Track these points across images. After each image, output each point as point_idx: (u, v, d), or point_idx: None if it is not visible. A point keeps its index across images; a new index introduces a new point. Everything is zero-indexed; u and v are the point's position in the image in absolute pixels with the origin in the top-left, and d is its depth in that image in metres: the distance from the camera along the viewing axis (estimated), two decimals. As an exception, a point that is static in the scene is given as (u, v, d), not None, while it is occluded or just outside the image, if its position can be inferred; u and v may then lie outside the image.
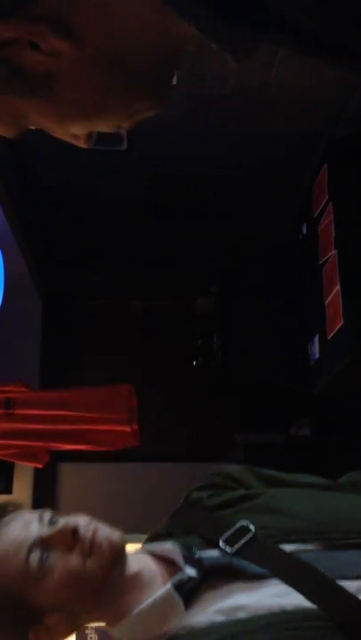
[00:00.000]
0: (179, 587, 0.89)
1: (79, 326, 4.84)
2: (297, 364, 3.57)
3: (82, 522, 0.97)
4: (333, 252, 3.07)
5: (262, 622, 0.80)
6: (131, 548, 1.01)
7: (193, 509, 1.05)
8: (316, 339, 3.26)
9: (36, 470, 4.05)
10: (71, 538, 0.94)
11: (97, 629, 3.36)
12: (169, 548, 0.96)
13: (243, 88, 3.04)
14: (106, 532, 0.95)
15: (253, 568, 0.87)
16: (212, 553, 0.92)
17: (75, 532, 0.94)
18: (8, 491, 4.22)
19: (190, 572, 0.90)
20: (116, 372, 4.38)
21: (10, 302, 3.79)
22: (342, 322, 2.88)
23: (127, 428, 3.23)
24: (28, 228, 4.05)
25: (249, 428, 4.34)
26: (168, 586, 0.89)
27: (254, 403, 4.45)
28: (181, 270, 4.74)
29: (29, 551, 0.92)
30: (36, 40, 0.56)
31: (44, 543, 0.93)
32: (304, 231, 3.61)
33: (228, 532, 0.92)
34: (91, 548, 0.93)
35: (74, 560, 0.92)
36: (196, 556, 0.92)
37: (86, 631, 3.36)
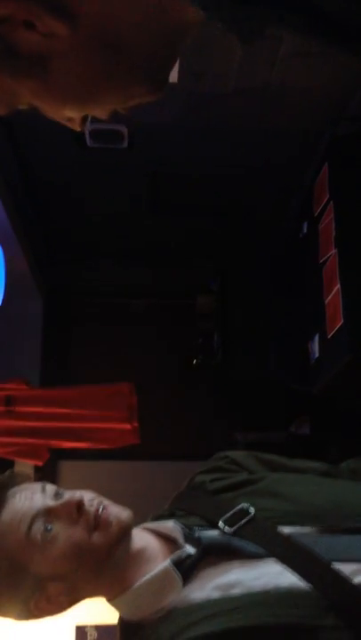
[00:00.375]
0: (178, 563, 0.91)
1: (80, 324, 4.84)
2: (297, 363, 3.57)
3: (87, 496, 0.98)
4: (334, 251, 3.07)
5: (256, 599, 0.83)
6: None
7: (195, 492, 1.08)
8: (317, 338, 3.26)
9: (36, 468, 4.06)
10: (76, 510, 0.95)
11: (97, 627, 3.37)
12: (170, 526, 0.99)
13: (244, 87, 3.04)
14: (115, 510, 0.97)
15: (251, 547, 0.90)
16: (212, 533, 0.95)
17: (80, 504, 0.95)
18: (8, 488, 4.23)
19: (190, 549, 0.93)
20: (116, 370, 4.38)
21: (11, 300, 3.80)
22: (342, 321, 2.88)
23: (127, 426, 3.24)
24: (29, 226, 4.05)
25: (249, 426, 4.35)
26: (167, 562, 0.92)
27: (254, 401, 4.46)
28: (182, 269, 4.75)
29: (32, 521, 0.93)
30: (31, 19, 0.55)
31: (47, 514, 0.95)
32: (305, 230, 3.61)
33: (228, 514, 0.95)
34: (97, 522, 0.94)
35: (78, 532, 0.94)
36: (196, 534, 0.95)
37: (86, 629, 3.37)
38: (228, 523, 0.94)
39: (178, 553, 0.93)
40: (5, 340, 4.46)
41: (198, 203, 4.14)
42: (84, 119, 0.69)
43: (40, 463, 3.42)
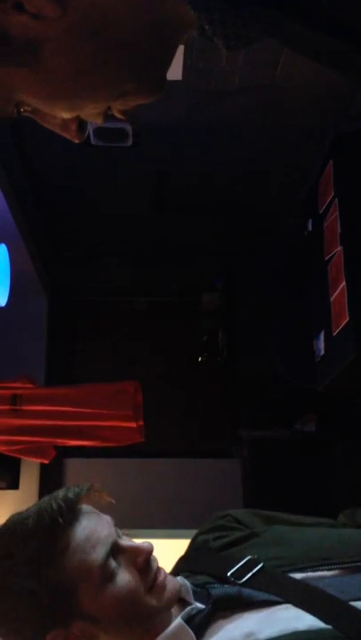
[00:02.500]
0: (189, 619, 0.88)
1: (85, 323, 4.85)
2: (302, 361, 3.57)
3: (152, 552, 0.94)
4: (339, 248, 3.07)
5: None
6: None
7: (199, 552, 1.04)
8: (322, 335, 3.26)
9: (43, 466, 4.07)
10: (145, 559, 0.91)
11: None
12: (179, 582, 0.95)
13: (248, 84, 3.03)
14: (170, 578, 0.93)
15: (263, 596, 0.87)
16: (221, 587, 0.92)
17: (149, 555, 0.92)
18: (15, 486, 4.24)
19: (200, 605, 0.90)
20: (121, 369, 4.39)
21: (15, 299, 3.80)
22: (348, 318, 2.88)
23: (133, 424, 3.23)
24: (33, 225, 4.06)
25: (254, 423, 4.34)
26: (178, 619, 0.88)
27: (260, 399, 4.46)
28: (187, 267, 4.75)
29: (110, 550, 0.89)
30: None
31: (116, 550, 0.91)
32: (309, 227, 3.60)
33: (236, 567, 0.92)
34: (154, 583, 0.90)
35: (138, 583, 0.89)
36: (205, 590, 0.92)
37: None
38: (237, 575, 0.91)
39: (188, 609, 0.90)
40: (10, 338, 4.47)
41: (203, 200, 4.14)
42: (81, 127, 0.68)
43: (46, 461, 3.42)
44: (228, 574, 0.91)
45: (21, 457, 3.70)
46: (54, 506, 0.91)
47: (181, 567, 1.02)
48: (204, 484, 4.33)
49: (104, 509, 1.02)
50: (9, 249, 3.65)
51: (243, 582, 0.89)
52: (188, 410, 4.56)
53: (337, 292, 3.03)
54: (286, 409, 4.35)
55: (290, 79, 2.97)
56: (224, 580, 0.91)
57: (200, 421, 4.54)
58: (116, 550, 0.90)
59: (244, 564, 0.91)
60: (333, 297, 3.07)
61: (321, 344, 3.27)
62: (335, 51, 0.59)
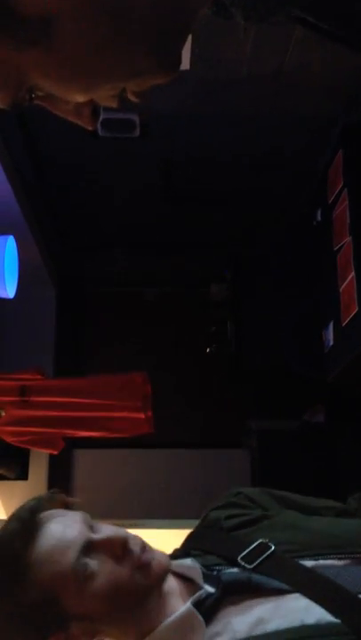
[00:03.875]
0: (198, 604, 0.88)
1: (93, 314, 4.85)
2: (311, 351, 3.56)
3: (129, 535, 0.93)
4: (348, 238, 3.05)
5: (283, 637, 0.80)
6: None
7: (210, 531, 1.03)
8: (331, 325, 3.24)
9: (51, 456, 4.08)
10: (121, 547, 0.90)
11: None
12: (188, 564, 0.94)
13: (257, 73, 3.01)
14: (156, 553, 0.92)
15: (273, 583, 0.86)
16: (232, 570, 0.91)
17: (125, 542, 0.91)
18: (24, 477, 4.27)
19: (209, 589, 0.89)
20: (130, 360, 4.39)
21: (24, 290, 3.81)
22: (357, 308, 2.86)
23: (141, 415, 3.24)
24: (41, 216, 4.05)
25: (263, 414, 4.34)
26: (188, 604, 0.88)
27: (268, 389, 4.45)
28: (195, 257, 4.73)
29: (78, 551, 0.88)
30: None
31: (89, 547, 0.89)
32: (319, 217, 3.58)
33: (247, 550, 0.91)
34: (140, 563, 0.89)
35: (121, 571, 0.88)
36: (215, 573, 0.91)
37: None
38: (248, 559, 0.90)
39: (198, 593, 0.89)
40: (19, 330, 4.48)
41: (211, 190, 4.12)
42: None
43: (55, 452, 3.44)
44: (239, 558, 0.90)
45: (30, 448, 3.71)
46: (10, 528, 0.91)
47: (191, 545, 1.02)
48: (212, 474, 4.33)
49: (98, 500, 1.01)
50: (17, 241, 3.65)
51: (253, 567, 0.88)
52: (197, 401, 4.56)
53: (346, 282, 3.01)
54: (295, 400, 4.35)
55: (298, 68, 2.95)
56: (234, 563, 0.91)
57: (208, 412, 4.54)
58: (90, 546, 0.89)
59: (255, 547, 0.91)
60: (343, 287, 3.06)
61: (330, 334, 3.26)
62: None
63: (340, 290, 3.08)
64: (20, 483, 4.25)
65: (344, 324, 3.03)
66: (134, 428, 3.29)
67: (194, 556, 0.96)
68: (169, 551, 1.01)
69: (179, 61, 0.61)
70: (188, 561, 0.95)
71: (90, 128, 0.66)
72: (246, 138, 3.56)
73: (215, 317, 4.68)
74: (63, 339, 4.71)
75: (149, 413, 3.29)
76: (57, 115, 0.65)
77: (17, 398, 3.19)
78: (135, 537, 0.93)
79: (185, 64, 2.85)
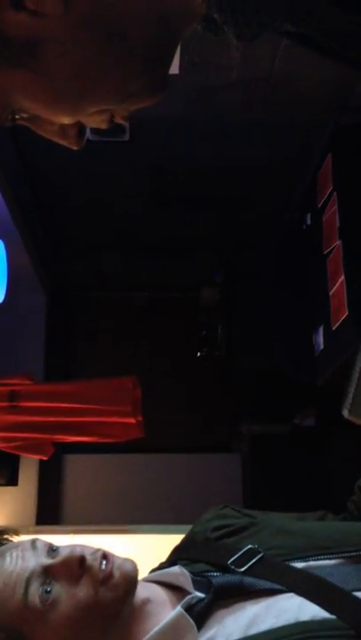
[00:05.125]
0: (189, 609, 0.84)
1: (83, 318, 4.84)
2: (301, 355, 3.56)
3: (88, 550, 0.88)
4: (338, 242, 3.06)
5: (278, 635, 0.78)
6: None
7: (196, 542, 1.00)
8: (321, 329, 3.25)
9: (41, 462, 4.06)
10: (78, 567, 0.84)
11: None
12: (176, 571, 0.91)
13: (246, 78, 3.02)
14: (118, 562, 0.88)
15: (265, 584, 0.85)
16: (222, 575, 0.89)
17: (82, 560, 0.85)
18: (14, 482, 4.24)
19: (200, 594, 0.86)
20: (120, 364, 4.38)
21: (13, 295, 3.79)
22: (347, 312, 2.87)
23: (132, 420, 3.23)
24: (31, 220, 4.04)
25: (253, 418, 4.34)
26: (178, 608, 0.84)
27: (259, 393, 4.45)
28: (185, 261, 4.74)
29: (28, 583, 0.82)
30: None
31: (44, 574, 0.84)
32: (308, 221, 3.59)
33: (236, 555, 0.89)
34: (102, 577, 0.84)
35: (83, 591, 0.83)
36: (205, 578, 0.89)
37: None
38: (237, 564, 0.87)
39: (188, 598, 0.85)
40: (9, 335, 4.46)
41: (201, 195, 4.12)
42: (80, 132, 0.64)
43: (45, 457, 3.42)
44: (229, 562, 0.88)
45: (20, 453, 3.69)
46: None
47: (178, 556, 0.99)
48: (203, 479, 4.33)
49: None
50: (6, 246, 3.63)
51: (243, 571, 0.86)
52: (188, 405, 4.56)
53: (336, 285, 3.02)
54: (286, 403, 4.35)
55: (288, 73, 2.96)
56: (224, 569, 0.89)
57: (199, 416, 4.54)
58: (46, 573, 0.84)
59: (244, 552, 0.89)
60: (333, 291, 3.07)
61: (320, 338, 3.27)
62: None
63: (330, 294, 3.09)
64: (9, 488, 4.23)
65: (334, 328, 3.04)
66: (125, 432, 3.28)
67: (182, 565, 0.93)
68: (162, 557, 1.00)
69: (166, 83, 0.61)
70: (175, 568, 0.91)
71: (75, 148, 0.66)
72: (236, 142, 3.57)
73: (206, 321, 4.68)
74: (53, 343, 4.69)
75: (140, 418, 3.28)
76: (43, 135, 0.64)
77: (6, 404, 3.17)
78: (95, 551, 0.88)
79: (174, 69, 2.86)
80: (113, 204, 4.19)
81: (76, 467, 4.41)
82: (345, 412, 0.93)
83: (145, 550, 3.71)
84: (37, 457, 3.60)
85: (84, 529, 3.87)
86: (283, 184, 3.96)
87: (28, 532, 3.91)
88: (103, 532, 3.80)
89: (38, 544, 0.89)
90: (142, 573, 0.94)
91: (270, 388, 4.36)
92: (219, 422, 4.50)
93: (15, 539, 0.98)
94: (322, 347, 3.24)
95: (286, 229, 4.11)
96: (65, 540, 3.85)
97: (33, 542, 0.89)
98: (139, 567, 0.92)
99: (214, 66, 2.93)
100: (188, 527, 1.08)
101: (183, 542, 1.03)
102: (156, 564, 1.03)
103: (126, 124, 3.33)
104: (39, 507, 4.23)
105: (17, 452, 3.58)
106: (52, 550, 0.88)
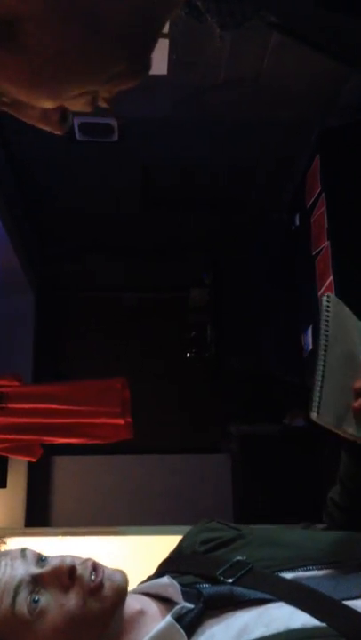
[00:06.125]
0: (179, 619, 0.83)
1: (72, 319, 4.82)
2: (290, 356, 3.57)
3: (78, 560, 0.87)
4: (326, 243, 3.07)
5: None
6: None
7: (184, 555, 0.99)
8: (310, 330, 3.26)
9: (30, 464, 4.04)
10: (68, 576, 0.83)
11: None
12: (165, 582, 0.89)
13: (234, 78, 3.02)
14: (108, 573, 0.87)
15: (255, 594, 0.84)
16: (211, 586, 0.88)
17: (72, 570, 0.84)
18: (2, 484, 4.22)
19: (189, 605, 0.85)
20: (109, 365, 4.37)
21: (2, 296, 3.78)
22: (336, 313, 2.87)
23: (121, 421, 3.23)
24: (19, 221, 4.02)
25: (243, 419, 4.35)
26: (168, 617, 0.83)
27: (248, 394, 4.46)
28: (174, 262, 4.74)
29: (16, 592, 0.81)
30: None
31: (33, 583, 0.83)
32: (297, 222, 3.60)
33: (225, 567, 0.88)
34: (92, 588, 0.83)
35: (72, 601, 0.83)
36: (195, 589, 0.88)
37: None
38: (226, 575, 0.87)
39: (177, 608, 0.84)
40: (-3, 336, 4.44)
41: (190, 196, 4.12)
42: (63, 117, 0.62)
43: (34, 459, 3.41)
44: (217, 573, 0.87)
45: (8, 455, 3.68)
46: None
47: (165, 569, 0.98)
48: (193, 479, 4.33)
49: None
50: (-6, 245, 3.62)
51: (233, 581, 0.86)
52: (177, 405, 4.56)
53: (325, 286, 3.03)
54: (275, 404, 4.36)
55: (276, 73, 2.96)
56: (213, 580, 0.88)
57: (189, 417, 4.53)
58: (35, 582, 0.84)
59: (233, 564, 0.88)
60: (321, 291, 3.07)
61: (309, 339, 3.27)
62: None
63: (319, 294, 3.09)
64: (-2, 491, 4.20)
65: (323, 328, 3.04)
66: (113, 434, 3.27)
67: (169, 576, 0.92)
68: (151, 558, 0.99)
69: (149, 65, 0.60)
70: (164, 579, 0.90)
71: (58, 133, 0.64)
72: (225, 142, 3.57)
73: (195, 322, 4.68)
74: (41, 344, 4.67)
75: (129, 419, 3.28)
76: (24, 121, 0.62)
77: (-6, 405, 3.15)
78: (85, 560, 0.87)
79: (162, 69, 2.85)
80: (102, 205, 4.18)
81: (65, 468, 4.39)
82: (313, 416, 0.90)
83: (135, 552, 3.71)
84: (26, 459, 3.58)
85: (73, 531, 3.85)
86: (271, 185, 3.97)
87: (17, 534, 3.89)
88: (93, 533, 3.79)
89: (28, 553, 0.88)
90: (133, 575, 0.94)
91: (260, 388, 4.37)
92: (208, 423, 4.50)
93: (3, 547, 0.96)
94: (311, 347, 3.25)
95: (275, 230, 4.11)
96: (54, 542, 3.83)
97: (22, 551, 0.88)
98: (129, 569, 0.91)
99: (202, 66, 2.92)
100: (179, 528, 1.07)
101: (171, 556, 1.02)
102: (145, 566, 1.02)
103: (115, 124, 3.32)
104: (28, 509, 4.21)
105: (5, 454, 3.56)
106: (40, 560, 0.87)
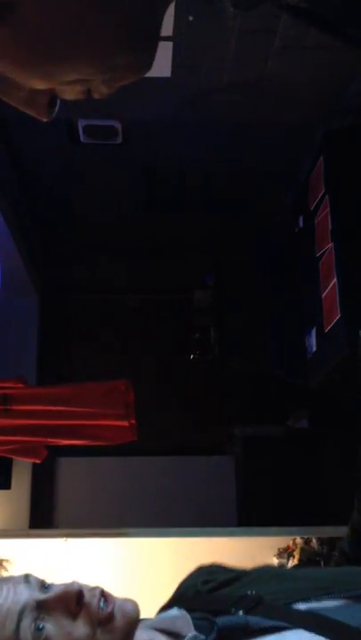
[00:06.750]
0: None
1: (76, 321, 4.83)
2: (294, 357, 3.57)
3: (85, 586, 0.81)
4: (330, 244, 3.07)
5: None
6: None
7: (188, 596, 0.93)
8: (313, 331, 3.26)
9: (35, 465, 4.05)
10: (75, 602, 0.78)
11: None
12: (174, 614, 0.83)
13: (238, 81, 3.02)
14: (119, 602, 0.81)
15: (271, 622, 0.79)
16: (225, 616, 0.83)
17: (80, 596, 0.79)
18: (7, 486, 4.23)
19: (202, 635, 0.79)
20: (113, 367, 4.37)
21: (6, 298, 3.79)
22: (339, 314, 2.88)
23: (125, 423, 3.23)
24: (23, 223, 4.03)
25: (246, 420, 4.35)
26: None
27: (252, 396, 4.46)
28: (178, 264, 4.74)
29: (19, 618, 0.77)
30: None
31: (38, 608, 0.78)
32: (300, 224, 3.60)
33: (234, 600, 0.83)
34: (102, 618, 0.78)
35: (80, 630, 0.77)
36: (207, 619, 0.82)
37: None
38: (237, 607, 0.81)
39: (190, 636, 0.78)
40: (1, 337, 4.45)
41: (194, 197, 4.13)
42: (51, 103, 0.58)
43: (38, 461, 3.41)
44: (229, 605, 0.81)
45: (13, 457, 3.68)
46: None
47: (172, 606, 0.91)
48: (197, 481, 4.33)
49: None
50: (-1, 248, 3.63)
51: (245, 612, 0.80)
52: (180, 407, 4.55)
53: (328, 288, 3.03)
54: (279, 405, 4.36)
55: (279, 76, 2.96)
56: (224, 613, 0.82)
57: (192, 419, 4.53)
58: (40, 607, 0.79)
59: (242, 598, 0.83)
60: (325, 293, 3.07)
61: (313, 340, 3.27)
62: None
63: (323, 296, 3.09)
64: (3, 492, 4.21)
65: (326, 330, 3.04)
66: (117, 435, 3.27)
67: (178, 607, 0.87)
68: (155, 560, 0.99)
69: (151, 61, 0.57)
70: (173, 611, 0.85)
71: (44, 119, 0.59)
72: (228, 145, 3.57)
73: (198, 324, 4.69)
74: (45, 346, 4.68)
75: (133, 421, 3.28)
76: (7, 101, 0.59)
77: (-1, 407, 3.16)
78: (93, 588, 0.81)
79: (166, 72, 2.86)
80: (106, 207, 4.19)
81: (69, 470, 4.40)
82: None
83: (138, 553, 3.71)
84: (30, 460, 3.58)
85: (77, 532, 3.85)
86: (275, 187, 3.97)
87: (21, 536, 3.89)
88: (97, 535, 3.79)
89: (31, 579, 0.83)
90: (137, 576, 0.93)
91: (263, 390, 4.37)
92: (212, 424, 4.49)
93: (3, 573, 0.94)
94: (314, 349, 3.25)
95: (278, 232, 4.12)
96: (58, 544, 3.83)
97: (26, 577, 0.84)
98: (134, 571, 0.89)
99: (206, 69, 2.93)
100: (183, 530, 1.06)
101: (172, 599, 0.94)
102: (150, 568, 1.01)
103: (119, 126, 3.33)
104: (32, 510, 4.21)
105: (10, 456, 3.57)
106: (44, 587, 0.82)
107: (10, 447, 3.24)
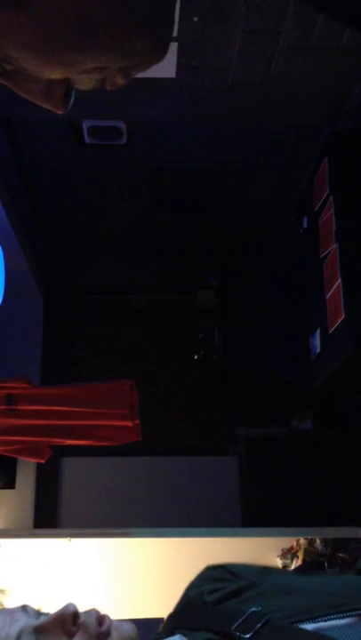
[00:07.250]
0: None
1: (80, 321, 4.84)
2: (298, 358, 3.57)
3: (80, 608, 0.84)
4: (334, 245, 3.06)
5: None
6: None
7: (193, 607, 0.93)
8: (318, 333, 3.25)
9: (39, 465, 4.06)
10: (72, 622, 0.80)
11: None
12: None
13: (242, 81, 3.02)
14: (115, 623, 0.83)
15: None
16: None
17: (75, 617, 0.81)
18: (11, 486, 4.24)
19: None
20: (117, 367, 4.38)
21: (11, 298, 3.79)
22: (344, 315, 2.87)
23: (129, 424, 3.23)
24: (28, 224, 4.04)
25: (250, 421, 4.35)
26: None
27: (256, 396, 4.46)
28: (182, 264, 4.74)
29: None
30: None
31: (35, 634, 0.80)
32: (305, 225, 3.60)
33: (240, 620, 0.81)
34: (98, 635, 0.80)
35: None
36: None
37: None
38: (242, 629, 0.79)
39: None
40: (6, 338, 4.46)
41: (198, 198, 4.13)
42: (66, 94, 0.57)
43: (42, 461, 3.42)
44: (233, 628, 0.79)
45: (18, 457, 3.69)
46: None
47: (175, 624, 0.90)
48: (201, 481, 4.33)
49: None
50: (4, 249, 3.63)
51: (250, 637, 0.79)
52: (184, 408, 4.56)
53: (333, 289, 3.02)
54: (282, 406, 4.36)
55: (284, 76, 2.96)
56: (228, 636, 0.81)
57: (197, 419, 4.54)
58: (37, 632, 0.81)
59: (248, 616, 0.81)
60: (329, 294, 3.07)
61: (317, 341, 3.27)
62: None
63: (327, 297, 3.09)
64: (7, 492, 4.22)
65: (331, 331, 3.04)
66: (122, 436, 3.28)
67: (182, 635, 0.86)
68: (158, 560, 0.98)
69: (167, 48, 0.56)
70: (175, 638, 0.85)
71: (60, 111, 0.58)
72: (233, 146, 3.58)
73: (202, 324, 4.69)
74: (50, 347, 4.69)
75: (137, 421, 3.28)
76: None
77: (3, 407, 3.16)
78: (90, 610, 0.83)
79: (171, 72, 2.86)
80: (110, 208, 4.20)
81: (73, 470, 4.40)
82: None
83: (141, 553, 3.71)
84: (35, 460, 3.59)
85: (81, 532, 3.86)
86: (279, 188, 3.97)
87: (25, 536, 3.90)
88: (101, 535, 3.80)
89: (28, 609, 0.85)
90: (141, 577, 0.93)
91: (267, 390, 4.37)
92: (216, 425, 4.50)
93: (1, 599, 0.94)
94: (319, 350, 3.24)
95: (283, 233, 4.11)
96: (63, 544, 3.84)
97: (23, 607, 0.86)
98: (138, 571, 0.89)
99: (210, 70, 2.93)
100: (186, 530, 1.06)
101: (178, 608, 0.95)
102: (154, 568, 1.01)
103: (123, 127, 3.34)
104: (37, 510, 4.22)
105: (14, 456, 3.57)
106: (40, 615, 0.85)
107: (14, 447, 3.25)
